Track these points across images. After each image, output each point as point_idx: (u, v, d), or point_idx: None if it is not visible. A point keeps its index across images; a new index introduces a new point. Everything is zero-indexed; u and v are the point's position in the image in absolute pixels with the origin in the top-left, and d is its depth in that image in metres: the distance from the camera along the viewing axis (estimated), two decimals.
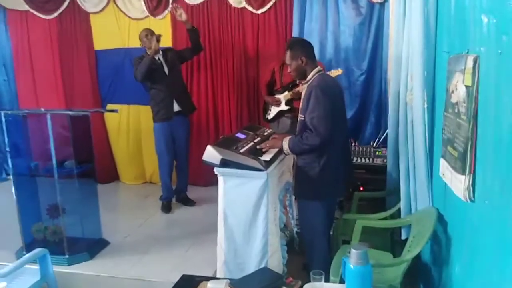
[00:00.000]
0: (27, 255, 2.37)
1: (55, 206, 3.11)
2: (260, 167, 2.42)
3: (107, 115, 4.97)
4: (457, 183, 1.72)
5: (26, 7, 4.89)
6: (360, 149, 3.63)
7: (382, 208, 3.04)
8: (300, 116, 2.53)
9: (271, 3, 4.26)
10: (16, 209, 3.12)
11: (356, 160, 3.56)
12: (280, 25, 4.32)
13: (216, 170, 2.50)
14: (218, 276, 2.62)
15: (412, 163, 2.55)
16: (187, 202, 4.28)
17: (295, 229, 3.21)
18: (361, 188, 3.45)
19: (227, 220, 2.54)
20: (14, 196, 3.11)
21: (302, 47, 2.56)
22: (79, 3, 4.75)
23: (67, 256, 3.06)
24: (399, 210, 2.75)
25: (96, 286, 2.94)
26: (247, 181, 2.46)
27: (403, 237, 2.72)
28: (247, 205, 2.48)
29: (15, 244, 3.21)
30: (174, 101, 3.97)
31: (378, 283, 1.97)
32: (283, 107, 3.83)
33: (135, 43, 4.21)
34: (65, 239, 3.09)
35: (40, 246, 2.63)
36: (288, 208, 3.12)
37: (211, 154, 2.47)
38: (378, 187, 3.28)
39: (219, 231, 2.58)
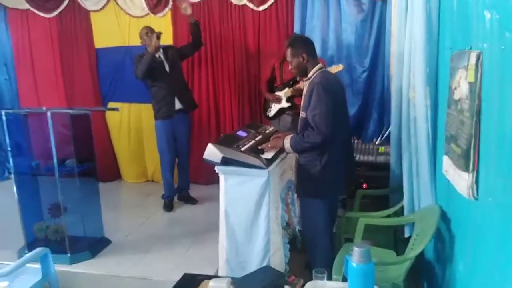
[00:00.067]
0: (28, 254, 2.37)
1: (56, 205, 3.11)
2: (262, 165, 2.40)
3: (108, 114, 4.97)
4: (460, 180, 1.70)
5: (26, 6, 4.88)
6: (363, 146, 3.61)
7: (385, 205, 3.02)
8: (302, 114, 2.51)
9: (272, 0, 4.24)
10: (18, 208, 3.12)
11: (359, 157, 3.54)
12: (281, 22, 4.30)
13: (217, 169, 2.49)
14: (220, 274, 2.61)
15: (415, 161, 2.54)
16: (189, 200, 4.28)
17: (297, 227, 3.20)
18: (364, 186, 3.43)
19: (229, 219, 2.53)
20: (16, 195, 3.11)
21: (303, 44, 2.54)
22: (79, 1, 4.73)
23: (69, 255, 3.06)
24: (402, 207, 2.74)
25: (98, 285, 2.93)
26: (248, 179, 2.45)
27: (406, 235, 2.70)
28: (248, 204, 2.48)
29: (17, 243, 3.21)
30: (176, 98, 3.96)
31: (381, 281, 1.96)
32: (284, 104, 3.81)
33: (136, 41, 4.20)
34: (66, 238, 3.08)
35: (42, 245, 2.63)
36: (290, 206, 3.11)
37: (212, 152, 2.46)
38: (381, 185, 3.26)
39: (220, 229, 2.58)
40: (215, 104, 4.65)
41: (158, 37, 3.78)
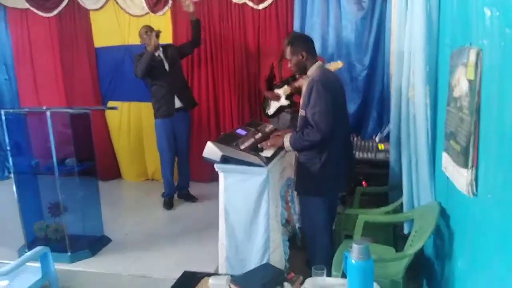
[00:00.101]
0: (28, 253, 2.37)
1: (56, 204, 3.12)
2: (261, 163, 2.41)
3: (108, 113, 4.98)
4: (459, 177, 1.70)
5: (26, 5, 4.88)
6: (363, 144, 3.61)
7: (385, 202, 3.03)
8: (301, 112, 2.51)
9: None
10: (18, 207, 3.12)
11: (359, 155, 3.55)
12: (281, 20, 4.30)
13: (216, 167, 2.49)
14: (220, 272, 2.62)
15: (415, 158, 2.54)
16: (189, 198, 4.28)
17: (297, 225, 3.20)
18: (363, 183, 3.43)
19: (228, 217, 2.53)
20: (16, 195, 3.11)
21: (303, 42, 2.54)
22: (79, 1, 4.74)
23: (69, 254, 3.07)
24: (401, 204, 2.74)
25: (98, 283, 2.94)
26: (247, 178, 2.45)
27: (405, 232, 2.71)
28: (248, 202, 2.48)
29: (17, 242, 3.22)
30: (176, 97, 3.96)
31: (380, 278, 1.96)
32: (283, 102, 3.81)
33: (135, 40, 4.20)
34: (66, 236, 3.09)
35: (42, 244, 2.64)
36: (290, 204, 3.12)
37: (211, 150, 2.46)
38: (380, 182, 3.27)
39: (220, 227, 2.58)
40: (215, 103, 4.65)
41: (158, 36, 3.78)
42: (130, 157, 5.05)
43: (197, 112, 4.60)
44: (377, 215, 2.77)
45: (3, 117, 3.04)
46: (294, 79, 3.62)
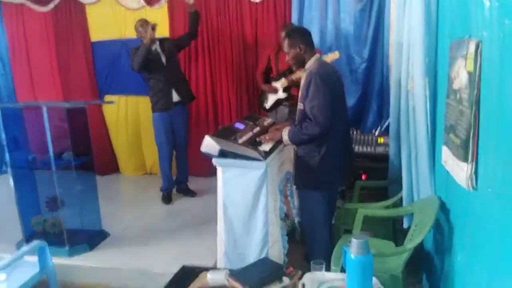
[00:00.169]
0: (25, 248, 2.36)
1: (54, 199, 3.10)
2: (259, 157, 2.39)
3: (105, 107, 4.95)
4: (459, 171, 1.69)
5: (21, 0, 4.82)
6: (362, 137, 3.60)
7: (384, 197, 3.02)
8: (299, 105, 2.49)
9: None
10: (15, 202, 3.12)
11: (358, 148, 3.53)
12: (279, 13, 4.26)
13: (214, 161, 2.47)
14: (218, 266, 2.61)
15: (414, 151, 2.52)
16: (188, 193, 4.27)
17: (296, 219, 3.19)
18: (363, 177, 3.42)
19: (227, 211, 2.52)
20: (13, 189, 3.10)
21: (301, 35, 2.52)
22: None
23: (67, 248, 3.06)
24: (401, 198, 2.73)
25: (96, 277, 2.93)
26: (246, 172, 2.44)
27: (405, 226, 2.70)
28: (246, 196, 2.47)
29: (16, 237, 3.21)
30: (173, 91, 3.94)
31: (379, 272, 1.96)
32: (281, 94, 3.79)
33: (132, 34, 4.16)
34: (64, 231, 3.08)
35: (40, 238, 2.62)
36: (289, 198, 3.11)
37: (209, 144, 2.44)
38: (380, 176, 3.26)
39: (218, 222, 2.57)
40: (213, 96, 4.62)
41: (153, 29, 3.75)
42: (128, 151, 5.03)
43: (195, 106, 4.57)
44: (377, 209, 2.76)
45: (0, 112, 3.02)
46: (291, 71, 3.60)
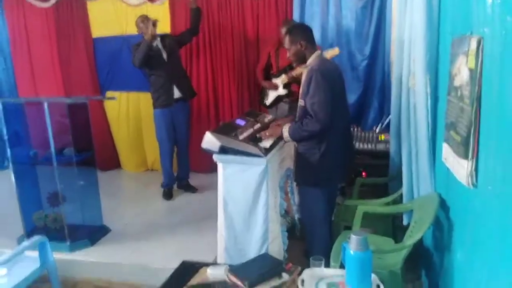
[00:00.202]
0: (26, 243, 2.38)
1: (55, 194, 3.11)
2: (259, 153, 2.39)
3: (106, 103, 4.95)
4: (459, 168, 1.69)
5: None
6: (363, 134, 3.60)
7: (385, 193, 3.02)
8: (300, 102, 2.49)
9: None
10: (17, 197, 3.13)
11: (359, 145, 3.53)
12: (281, 9, 4.25)
13: (215, 157, 2.48)
14: (219, 262, 2.62)
15: (415, 148, 2.52)
16: (189, 189, 4.28)
17: (296, 216, 3.20)
18: (363, 174, 3.42)
19: (227, 207, 2.53)
20: (14, 185, 3.11)
21: (302, 31, 2.51)
22: None
23: (68, 243, 3.07)
24: (401, 195, 2.73)
25: (97, 272, 2.95)
26: (246, 168, 2.44)
27: (404, 223, 2.70)
28: (246, 192, 2.47)
29: (17, 232, 3.22)
30: (174, 87, 3.94)
31: (378, 268, 1.96)
32: (281, 91, 3.79)
33: (133, 30, 4.15)
34: (65, 226, 3.09)
35: (41, 233, 2.65)
36: (289, 195, 3.11)
37: (210, 141, 2.44)
38: (380, 173, 3.26)
39: (219, 218, 2.57)
40: (214, 93, 4.62)
41: (155, 25, 3.74)
42: (129, 147, 5.04)
43: (197, 102, 4.57)
44: (377, 206, 2.76)
45: (1, 107, 3.02)
46: (291, 68, 3.59)
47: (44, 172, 3.19)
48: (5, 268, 2.33)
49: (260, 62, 4.03)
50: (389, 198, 2.83)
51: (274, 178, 2.59)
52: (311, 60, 2.47)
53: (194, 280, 1.94)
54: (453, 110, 1.83)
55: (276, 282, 1.86)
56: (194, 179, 4.38)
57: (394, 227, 2.88)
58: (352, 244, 1.61)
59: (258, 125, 2.82)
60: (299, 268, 1.91)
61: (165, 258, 2.90)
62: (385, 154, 3.25)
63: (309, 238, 2.69)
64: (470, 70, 1.59)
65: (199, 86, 4.55)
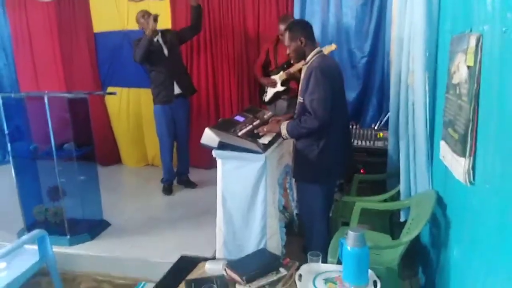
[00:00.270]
0: (25, 236, 2.39)
1: (55, 188, 3.12)
2: (258, 149, 2.40)
3: (107, 98, 4.96)
4: (457, 165, 1.70)
5: None
6: (362, 132, 3.61)
7: (383, 190, 3.03)
8: (299, 98, 2.50)
9: None
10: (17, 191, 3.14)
11: (357, 143, 3.54)
12: (281, 6, 4.25)
13: (214, 153, 2.49)
14: (217, 257, 2.63)
15: (413, 146, 2.53)
16: (189, 184, 4.30)
17: (294, 212, 3.21)
18: (362, 171, 3.43)
19: (226, 203, 2.54)
20: (15, 179, 3.12)
21: (302, 28, 2.51)
22: None
23: (68, 237, 3.09)
24: (398, 192, 2.74)
25: (97, 266, 2.96)
26: (245, 164, 2.45)
27: (402, 220, 2.72)
28: (245, 188, 2.48)
29: (17, 226, 3.24)
30: (175, 83, 3.94)
31: (375, 265, 1.98)
32: (279, 88, 3.80)
33: (134, 26, 4.16)
34: (66, 220, 3.11)
35: (41, 227, 2.65)
36: (288, 191, 3.12)
37: (209, 136, 2.45)
38: (379, 170, 3.27)
39: (218, 213, 2.58)
40: (214, 89, 4.62)
41: (155, 20, 3.73)
42: (129, 142, 5.05)
43: (197, 98, 4.58)
44: (374, 202, 2.77)
45: (1, 102, 3.03)
46: (290, 64, 3.60)
47: (45, 167, 3.21)
48: (5, 261, 2.34)
49: (259, 59, 4.03)
50: (386, 195, 2.84)
51: (272, 174, 2.61)
52: (311, 56, 2.47)
53: (193, 275, 1.96)
54: (451, 108, 1.84)
55: (273, 277, 1.88)
56: (194, 175, 4.39)
57: (391, 224, 2.89)
58: (349, 240, 1.62)
59: (257, 122, 2.83)
60: (297, 263, 1.93)
61: (164, 253, 2.92)
62: (384, 152, 3.26)
63: (307, 234, 2.71)
64: (469, 67, 1.60)
65: (200, 82, 4.56)
